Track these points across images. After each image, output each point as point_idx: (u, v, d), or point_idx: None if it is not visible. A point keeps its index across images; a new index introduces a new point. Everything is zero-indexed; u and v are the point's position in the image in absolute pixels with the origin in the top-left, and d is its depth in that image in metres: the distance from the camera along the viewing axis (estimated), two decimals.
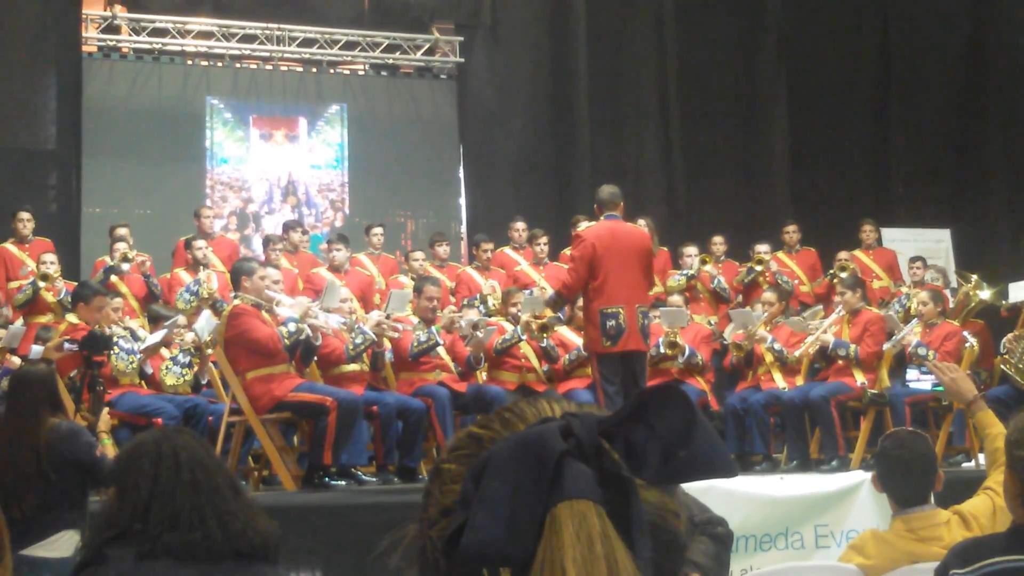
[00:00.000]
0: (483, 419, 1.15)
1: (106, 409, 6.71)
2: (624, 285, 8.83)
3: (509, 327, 10.19)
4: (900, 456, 4.31)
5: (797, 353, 10.24)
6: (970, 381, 4.58)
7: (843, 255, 12.59)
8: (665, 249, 12.87)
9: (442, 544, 1.05)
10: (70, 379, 8.01)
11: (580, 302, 10.55)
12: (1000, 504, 4.19)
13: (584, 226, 9.06)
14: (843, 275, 11.61)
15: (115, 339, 8.98)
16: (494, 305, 11.32)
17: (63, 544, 5.53)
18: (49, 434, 5.54)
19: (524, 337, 10.04)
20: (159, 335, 9.29)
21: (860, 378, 9.83)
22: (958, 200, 16.24)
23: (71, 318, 9.07)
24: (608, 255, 8.80)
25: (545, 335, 10.11)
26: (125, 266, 10.96)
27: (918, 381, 7.59)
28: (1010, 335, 10.40)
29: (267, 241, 11.78)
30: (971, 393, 4.48)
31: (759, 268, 12.35)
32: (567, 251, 12.17)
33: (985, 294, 11.38)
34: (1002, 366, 10.43)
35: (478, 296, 11.65)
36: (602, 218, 9.02)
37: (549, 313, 10.11)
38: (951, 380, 4.51)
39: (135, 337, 9.38)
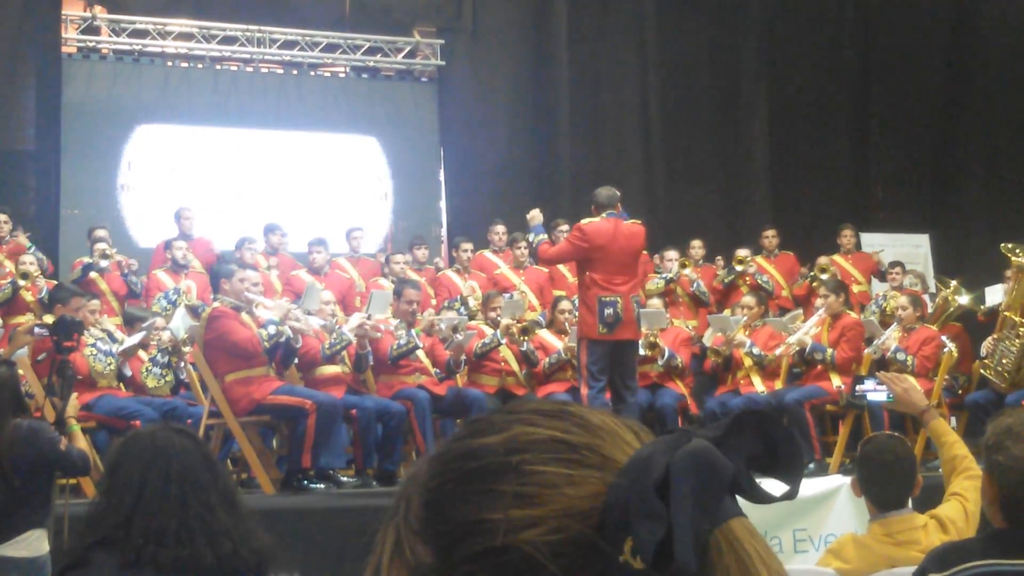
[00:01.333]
0: (572, 426, 1.10)
1: (75, 395, 6.65)
2: (622, 276, 9.04)
3: (489, 331, 10.19)
4: (883, 460, 4.32)
5: (777, 352, 10.26)
6: (921, 391, 4.61)
7: (823, 259, 12.63)
8: (646, 254, 12.88)
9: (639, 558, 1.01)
10: (38, 362, 8.00)
11: (560, 304, 10.62)
12: (971, 509, 4.21)
13: (587, 220, 9.21)
14: (823, 277, 11.66)
15: (93, 340, 8.95)
16: (474, 306, 11.34)
17: (30, 544, 5.50)
18: (10, 434, 5.49)
19: (504, 341, 10.05)
20: (137, 337, 9.26)
21: (837, 382, 9.86)
22: (937, 205, 16.30)
23: (48, 319, 9.03)
24: (610, 247, 9.07)
25: (526, 339, 10.12)
26: (104, 263, 10.91)
27: (874, 391, 7.62)
28: (989, 339, 10.46)
29: (242, 242, 11.73)
30: (923, 403, 4.51)
31: (739, 268, 12.35)
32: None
33: (964, 299, 11.44)
34: (981, 370, 10.49)
35: (458, 298, 11.66)
36: (603, 216, 9.16)
37: (529, 316, 10.16)
38: (903, 391, 4.54)
39: (112, 339, 9.35)
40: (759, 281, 12.21)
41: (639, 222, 9.58)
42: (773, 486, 1.06)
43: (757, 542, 1.04)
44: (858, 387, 8.24)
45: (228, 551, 2.77)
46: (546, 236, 9.85)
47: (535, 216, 9.97)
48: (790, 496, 1.07)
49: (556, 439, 1.07)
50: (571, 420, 1.09)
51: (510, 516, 1.03)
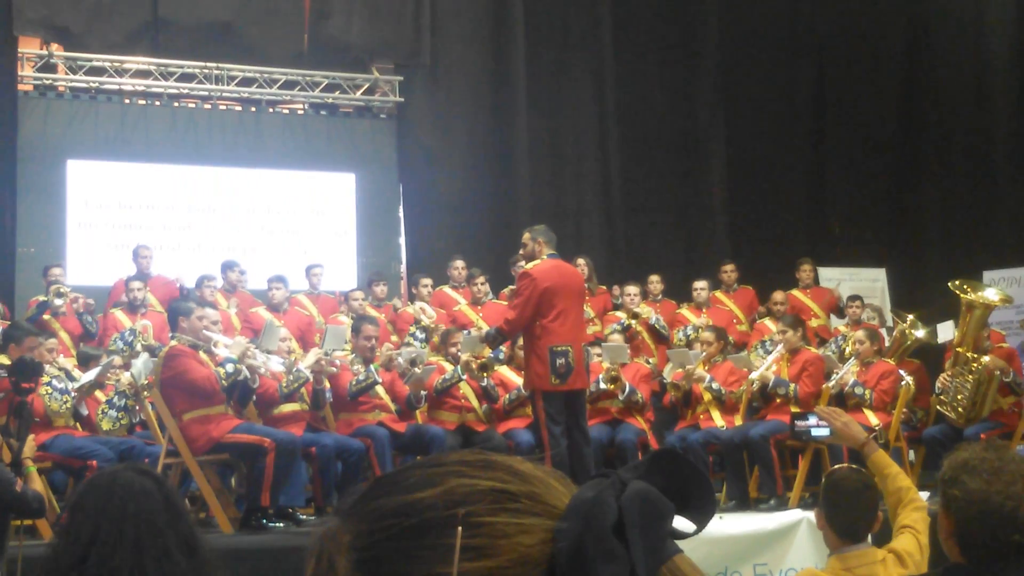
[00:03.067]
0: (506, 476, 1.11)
1: (32, 436, 6.59)
2: (572, 324, 8.98)
3: (449, 367, 10.17)
4: (849, 489, 4.36)
5: (741, 390, 10.29)
6: (858, 425, 4.64)
7: (779, 296, 12.64)
8: (604, 288, 12.92)
9: None
10: None
11: (520, 341, 10.61)
12: (923, 541, 4.23)
13: (531, 265, 9.10)
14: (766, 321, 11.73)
15: (49, 379, 8.87)
16: (430, 325, 11.37)
17: None
18: None
19: (464, 377, 10.02)
20: (93, 373, 9.18)
21: None
22: (893, 240, 16.43)
23: (2, 359, 8.94)
24: (559, 293, 8.95)
25: (485, 375, 10.10)
26: (59, 301, 10.82)
27: (817, 427, 7.66)
28: (943, 375, 10.55)
29: (201, 280, 11.68)
30: (862, 436, 4.55)
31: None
32: (506, 291, 12.21)
33: (920, 333, 11.52)
34: (937, 406, 10.57)
35: (414, 323, 11.70)
36: (544, 256, 9.09)
37: (488, 352, 10.12)
38: (842, 425, 4.57)
39: (69, 377, 9.26)
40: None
41: (581, 263, 9.54)
42: (682, 523, 1.09)
43: (700, 575, 1.07)
44: (799, 423, 8.26)
45: None
46: (491, 328, 9.69)
47: (474, 339, 10.01)
48: (696, 532, 1.10)
49: (497, 489, 1.07)
50: (504, 470, 1.10)
51: (462, 569, 1.03)
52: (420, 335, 11.58)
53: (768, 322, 12.20)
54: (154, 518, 2.79)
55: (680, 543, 1.09)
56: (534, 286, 8.94)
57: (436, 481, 1.09)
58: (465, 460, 1.12)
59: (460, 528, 1.04)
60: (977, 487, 2.92)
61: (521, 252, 9.38)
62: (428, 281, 12.44)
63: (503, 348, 11.40)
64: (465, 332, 11.15)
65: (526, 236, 9.31)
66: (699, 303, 12.76)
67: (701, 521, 1.09)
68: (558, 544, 1.03)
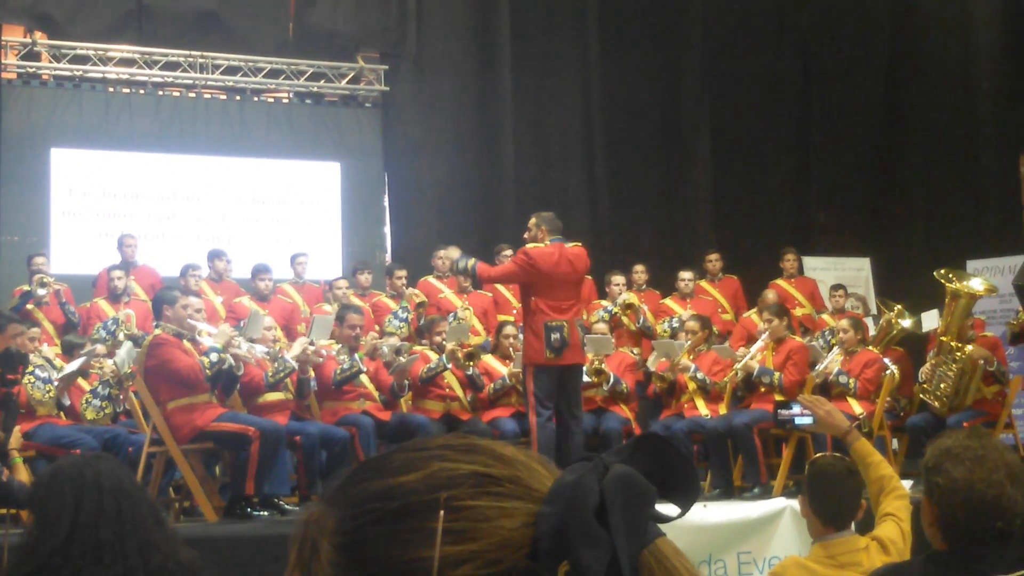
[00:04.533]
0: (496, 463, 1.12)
1: (18, 427, 6.59)
2: (568, 301, 9.10)
3: (434, 356, 10.17)
4: (833, 475, 4.38)
5: (725, 379, 10.31)
6: (841, 414, 4.66)
7: (770, 296, 12.57)
8: (590, 278, 12.92)
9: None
10: None
11: (505, 330, 10.64)
12: (906, 529, 4.25)
13: (531, 245, 9.25)
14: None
15: (32, 368, 8.85)
16: (417, 301, 11.62)
17: None
18: None
19: (449, 366, 10.03)
20: (76, 363, 9.17)
21: None
22: (877, 229, 16.47)
23: None
24: (555, 272, 9.12)
25: (471, 364, 10.11)
26: (42, 291, 10.80)
27: (800, 416, 7.70)
28: (926, 364, 10.58)
29: (186, 269, 11.66)
30: (844, 424, 4.55)
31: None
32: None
33: (906, 322, 11.56)
34: (920, 395, 10.60)
35: (401, 305, 11.76)
36: (547, 242, 9.21)
37: (475, 341, 10.18)
38: (825, 413, 4.58)
39: (52, 366, 9.25)
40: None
41: (580, 245, 9.62)
42: (666, 507, 1.10)
43: (683, 559, 1.08)
44: (782, 411, 8.30)
45: (159, 564, 2.76)
46: (473, 259, 9.81)
47: (452, 251, 10.02)
48: (680, 515, 1.11)
49: (479, 473, 1.08)
50: (486, 454, 1.10)
51: (444, 552, 1.03)
52: (401, 315, 11.62)
53: (754, 315, 12.22)
54: (128, 490, 2.83)
55: (665, 532, 1.09)
56: (527, 265, 9.14)
57: (419, 465, 1.09)
58: (448, 444, 1.12)
59: (442, 512, 1.04)
60: (961, 475, 2.94)
61: (525, 235, 9.51)
62: (403, 273, 12.40)
63: (488, 338, 11.45)
64: (450, 318, 11.19)
65: (532, 221, 9.52)
66: (684, 294, 12.77)
67: (685, 505, 1.10)
68: (540, 528, 1.04)
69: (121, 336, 10.38)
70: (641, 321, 12.27)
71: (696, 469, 1.13)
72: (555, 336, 9.02)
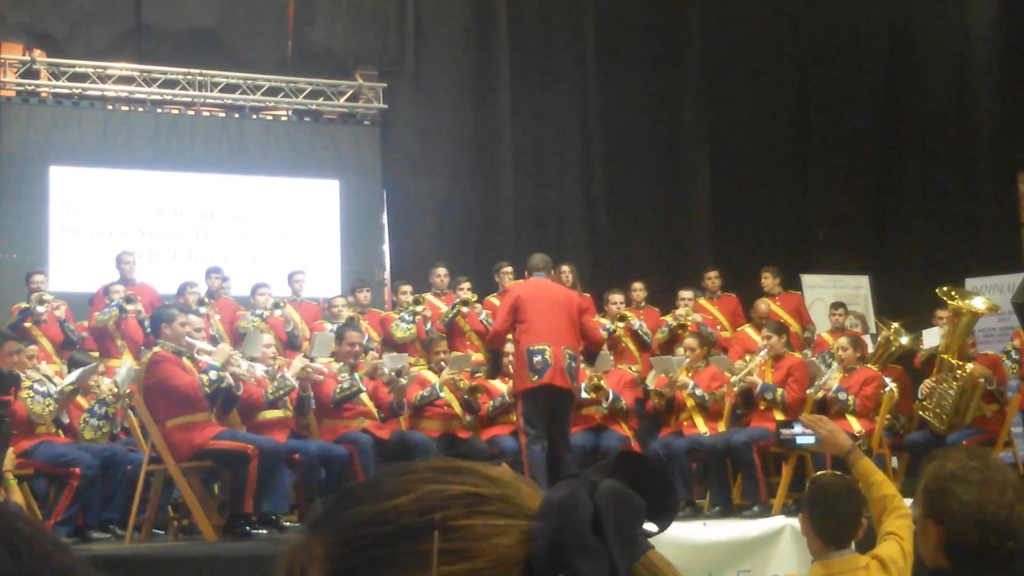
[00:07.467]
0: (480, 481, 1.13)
1: (11, 449, 6.55)
2: (549, 327, 9.27)
3: (433, 377, 10.17)
4: (834, 494, 4.37)
5: (723, 390, 10.28)
6: (844, 434, 4.65)
7: (763, 308, 12.56)
8: (588, 296, 12.92)
9: None
10: None
11: (507, 348, 10.66)
12: (908, 548, 4.24)
13: (513, 283, 9.67)
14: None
15: (30, 383, 8.83)
16: (422, 306, 11.69)
17: None
18: None
19: (442, 395, 10.06)
20: (75, 375, 9.15)
21: None
22: (876, 247, 16.48)
23: None
24: (533, 302, 9.35)
25: (476, 396, 10.20)
26: (41, 308, 10.80)
27: (803, 435, 7.69)
28: (927, 381, 10.57)
29: (184, 287, 11.66)
30: (847, 444, 4.54)
31: (674, 323, 12.38)
32: (491, 297, 12.25)
33: (905, 340, 11.56)
34: (920, 412, 10.59)
35: (406, 307, 11.79)
36: (532, 277, 9.52)
37: (476, 358, 10.27)
38: (828, 432, 4.57)
39: (51, 382, 9.23)
40: (702, 331, 12.18)
41: (566, 270, 9.89)
42: (646, 524, 1.12)
43: (674, 571, 1.11)
44: (784, 431, 8.29)
45: None
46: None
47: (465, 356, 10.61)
48: (658, 532, 1.12)
49: (470, 493, 1.09)
50: (473, 475, 1.11)
51: (441, 573, 1.04)
52: (408, 317, 11.69)
53: (749, 329, 12.20)
54: (21, 528, 2.77)
55: (664, 551, 1.10)
56: (507, 297, 9.52)
57: (408, 488, 1.09)
58: (434, 467, 1.13)
59: (437, 533, 1.05)
60: (972, 498, 2.93)
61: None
62: (408, 288, 12.41)
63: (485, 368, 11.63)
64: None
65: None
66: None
67: (663, 522, 1.12)
68: (535, 543, 1.04)
69: (128, 361, 10.36)
70: (638, 326, 12.26)
71: (674, 486, 1.14)
72: (537, 359, 9.19)
